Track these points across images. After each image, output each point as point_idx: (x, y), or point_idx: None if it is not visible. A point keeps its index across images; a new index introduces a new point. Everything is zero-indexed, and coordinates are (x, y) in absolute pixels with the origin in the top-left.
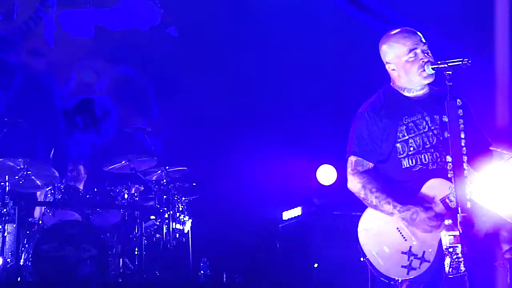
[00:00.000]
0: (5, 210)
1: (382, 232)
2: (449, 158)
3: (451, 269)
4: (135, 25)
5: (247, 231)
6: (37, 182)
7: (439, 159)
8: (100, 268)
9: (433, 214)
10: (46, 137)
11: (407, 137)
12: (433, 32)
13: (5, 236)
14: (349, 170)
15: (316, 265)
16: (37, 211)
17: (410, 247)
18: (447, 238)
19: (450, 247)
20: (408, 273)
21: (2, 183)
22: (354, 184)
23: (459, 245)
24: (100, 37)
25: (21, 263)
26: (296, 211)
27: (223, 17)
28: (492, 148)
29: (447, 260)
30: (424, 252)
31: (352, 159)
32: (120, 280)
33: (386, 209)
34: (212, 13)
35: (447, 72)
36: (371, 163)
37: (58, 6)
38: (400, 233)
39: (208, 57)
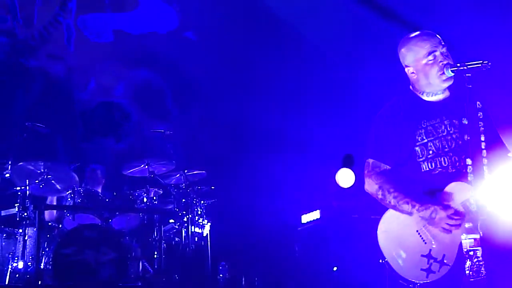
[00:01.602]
0: (25, 214)
1: (402, 234)
2: (469, 161)
3: (471, 272)
4: (153, 29)
5: (266, 235)
6: (57, 186)
7: (457, 163)
8: (119, 271)
9: (452, 212)
10: (65, 141)
11: (426, 141)
12: (452, 34)
13: (26, 240)
14: (366, 172)
15: (335, 268)
16: (47, 214)
17: (430, 250)
18: (467, 241)
19: (470, 250)
20: (427, 277)
21: (22, 187)
22: (371, 185)
23: (480, 248)
24: (119, 41)
25: (42, 267)
26: (315, 215)
27: (240, 20)
28: (510, 155)
29: (468, 264)
30: (444, 255)
31: (369, 161)
32: (140, 284)
33: (405, 209)
34: (229, 16)
35: (466, 75)
36: (388, 166)
37: (77, 10)
38: (420, 236)
39: (226, 60)
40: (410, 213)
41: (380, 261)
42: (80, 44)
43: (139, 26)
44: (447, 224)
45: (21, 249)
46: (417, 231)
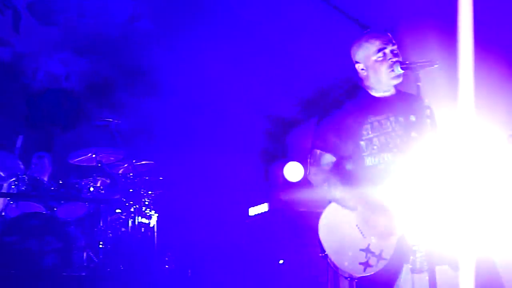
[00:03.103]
0: None
1: (342, 228)
2: (414, 158)
3: (416, 266)
4: (106, 16)
5: (213, 226)
6: (0, 173)
7: (400, 160)
8: (63, 260)
9: (389, 231)
10: (11, 128)
11: (371, 136)
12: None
13: None
14: (312, 161)
15: (281, 261)
16: (0, 203)
17: (369, 244)
18: (411, 235)
19: (415, 244)
20: (365, 270)
21: None
22: (317, 176)
23: (423, 243)
24: (69, 28)
25: None
26: (263, 207)
27: (198, 10)
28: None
29: (412, 258)
30: (382, 250)
31: (316, 151)
32: (84, 274)
33: (348, 204)
34: (186, 5)
35: (415, 72)
36: (333, 157)
37: None
38: (360, 230)
39: (181, 50)
40: (352, 208)
41: (320, 254)
42: (28, 30)
43: (90, 12)
44: (378, 232)
45: None
46: (356, 225)
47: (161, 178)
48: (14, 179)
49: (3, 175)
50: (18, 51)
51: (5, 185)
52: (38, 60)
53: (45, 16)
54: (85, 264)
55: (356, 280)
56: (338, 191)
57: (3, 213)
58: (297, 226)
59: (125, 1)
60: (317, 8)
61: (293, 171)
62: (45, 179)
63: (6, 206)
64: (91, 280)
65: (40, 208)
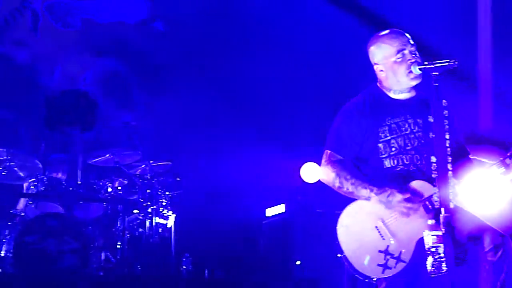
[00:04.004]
0: None
1: (361, 229)
2: (433, 159)
3: (433, 268)
4: (122, 18)
5: (230, 227)
6: (20, 173)
7: (419, 161)
8: (81, 261)
9: (408, 196)
10: (30, 129)
11: (389, 138)
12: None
13: None
14: (323, 161)
15: (298, 262)
16: (22, 203)
17: (388, 246)
18: (430, 237)
19: (432, 246)
20: (383, 272)
21: None
22: (328, 173)
23: (442, 245)
24: (86, 29)
25: (2, 255)
26: (280, 208)
27: (211, 13)
28: (472, 157)
29: (429, 260)
30: (401, 252)
31: (327, 152)
32: (102, 274)
33: (363, 194)
34: (201, 8)
35: (433, 73)
36: (341, 156)
37: None
38: (379, 231)
39: (195, 52)
40: (368, 198)
41: (338, 255)
42: (46, 31)
43: (108, 14)
44: (404, 208)
45: None
46: (376, 226)
47: (178, 178)
48: (33, 179)
49: (22, 175)
50: (37, 52)
51: (24, 185)
52: (56, 62)
53: (63, 18)
54: (102, 265)
55: (374, 282)
56: (350, 183)
57: (22, 213)
58: (314, 227)
59: (141, 3)
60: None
61: (310, 171)
62: (63, 179)
63: (26, 206)
64: (109, 280)
65: (58, 209)
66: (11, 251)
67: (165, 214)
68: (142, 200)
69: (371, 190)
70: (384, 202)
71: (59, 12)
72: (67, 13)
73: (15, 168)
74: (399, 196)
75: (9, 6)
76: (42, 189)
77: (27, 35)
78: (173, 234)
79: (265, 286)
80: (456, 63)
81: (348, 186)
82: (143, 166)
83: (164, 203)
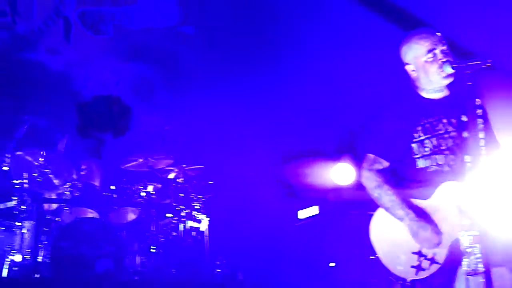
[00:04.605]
0: (23, 207)
1: (393, 231)
2: (467, 158)
3: (470, 269)
4: (152, 24)
5: (263, 230)
6: (55, 181)
7: (453, 162)
8: (116, 265)
9: (438, 241)
10: (64, 135)
11: (423, 138)
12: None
13: (24, 233)
14: (365, 165)
15: (332, 264)
16: (52, 208)
17: (421, 247)
18: (466, 238)
19: (469, 247)
20: (417, 274)
21: (20, 180)
22: (370, 181)
23: (478, 245)
24: (117, 36)
25: (39, 260)
26: (313, 210)
27: (239, 16)
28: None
29: (466, 261)
30: (434, 253)
31: (370, 156)
32: (137, 278)
33: (398, 214)
34: (229, 12)
35: (466, 72)
36: (387, 162)
37: (77, 4)
38: None
39: (224, 56)
40: (401, 219)
41: (372, 257)
42: (78, 38)
43: (138, 20)
44: (428, 245)
45: (18, 242)
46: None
47: (211, 182)
48: (68, 185)
49: (57, 182)
50: (69, 60)
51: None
52: (88, 68)
53: (95, 25)
54: (137, 269)
55: (408, 284)
56: (388, 199)
57: (58, 219)
58: (347, 228)
59: (170, 8)
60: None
61: (342, 173)
62: (97, 185)
63: (61, 212)
64: (144, 284)
65: (93, 214)
66: (48, 256)
67: (198, 218)
68: (175, 204)
69: (407, 214)
70: (413, 230)
71: (91, 20)
72: (98, 20)
73: (50, 175)
74: (428, 234)
75: (43, 15)
76: (76, 194)
77: (60, 43)
78: (206, 238)
79: None
80: (490, 61)
81: (386, 201)
82: (175, 170)
83: (197, 207)
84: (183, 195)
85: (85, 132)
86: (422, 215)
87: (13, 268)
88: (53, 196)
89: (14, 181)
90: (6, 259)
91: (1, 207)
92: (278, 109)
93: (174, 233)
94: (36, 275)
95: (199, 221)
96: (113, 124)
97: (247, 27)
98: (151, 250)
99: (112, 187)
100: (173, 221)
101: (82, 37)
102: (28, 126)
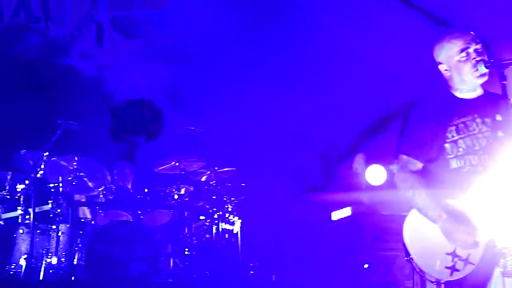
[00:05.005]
0: (58, 210)
1: (427, 232)
2: (502, 158)
3: (507, 269)
4: (183, 27)
5: (296, 231)
6: (89, 183)
7: (487, 162)
8: (151, 267)
9: (474, 242)
10: (97, 139)
11: (456, 138)
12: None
13: (59, 236)
14: (399, 167)
15: (366, 265)
16: (87, 211)
17: (455, 248)
18: (502, 238)
19: (505, 247)
20: (451, 274)
21: (56, 184)
22: (404, 182)
23: None
24: (148, 39)
25: (75, 263)
26: (346, 212)
27: (272, 16)
28: None
29: (503, 261)
30: (469, 254)
31: (403, 157)
32: (171, 280)
33: (431, 216)
34: (260, 12)
35: (500, 71)
36: (421, 163)
37: (108, 9)
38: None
39: (257, 56)
40: (434, 221)
41: (406, 258)
42: (111, 43)
43: (169, 24)
44: (462, 246)
45: (54, 245)
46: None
47: (243, 184)
48: (102, 188)
49: (92, 185)
50: (102, 64)
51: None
52: (120, 72)
53: (127, 29)
54: (171, 271)
55: (443, 285)
56: (422, 200)
57: (93, 222)
58: (380, 230)
59: (201, 11)
60: (396, 8)
61: (375, 174)
62: (131, 188)
63: (96, 215)
64: (178, 286)
65: (127, 216)
66: (83, 259)
67: (231, 220)
68: (208, 207)
69: (441, 215)
70: (448, 231)
71: (122, 24)
72: (130, 24)
73: (85, 178)
74: (462, 235)
75: (75, 20)
76: (110, 197)
77: (93, 48)
78: (239, 240)
79: None
80: None
81: (419, 202)
82: (208, 172)
83: (229, 209)
84: (215, 197)
85: (118, 136)
86: (456, 215)
87: (49, 271)
88: (87, 200)
89: (50, 185)
90: (43, 262)
91: (37, 211)
92: (310, 109)
93: (207, 235)
94: (72, 278)
95: (232, 223)
96: (146, 128)
97: (279, 29)
98: (185, 252)
99: (146, 190)
100: (206, 224)
101: (114, 41)
102: (61, 130)
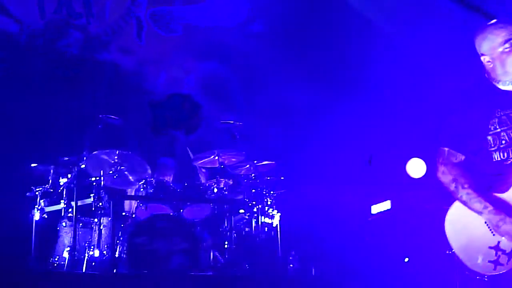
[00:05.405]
0: (100, 204)
1: (470, 225)
2: None
3: None
4: (221, 22)
5: (335, 225)
6: (130, 177)
7: None
8: (191, 261)
9: None
10: (137, 133)
11: (499, 130)
12: None
13: (101, 229)
14: (441, 160)
15: (406, 259)
16: (127, 204)
17: (499, 242)
18: None
19: None
20: (495, 269)
21: (97, 178)
22: (446, 175)
23: None
24: (188, 34)
25: (117, 255)
26: (386, 205)
27: (308, 10)
28: None
29: None
30: None
31: (444, 149)
32: (211, 273)
33: (476, 207)
34: (298, 6)
35: None
36: (463, 156)
37: (148, 4)
38: (489, 227)
39: (294, 50)
40: (480, 213)
41: (448, 252)
42: (150, 38)
43: (208, 19)
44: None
45: (96, 238)
46: (485, 222)
47: (282, 178)
48: (142, 182)
49: (132, 179)
50: (142, 59)
51: (129, 190)
52: (160, 67)
53: (166, 24)
54: (211, 264)
55: (486, 279)
56: (465, 192)
57: (134, 215)
58: (421, 223)
59: (239, 6)
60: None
61: (416, 167)
62: (171, 181)
63: (136, 208)
64: (218, 279)
65: (167, 210)
66: (125, 252)
67: (270, 213)
68: (247, 200)
69: (485, 207)
70: (493, 224)
71: (162, 19)
72: (169, 19)
73: (126, 172)
74: (509, 226)
75: (115, 16)
76: (151, 191)
77: (133, 43)
78: (279, 233)
79: (374, 285)
80: None
81: (463, 194)
82: (247, 166)
83: (269, 202)
84: (254, 190)
85: (158, 130)
86: (501, 207)
87: (92, 264)
88: (129, 193)
89: (91, 179)
90: (85, 255)
91: (79, 204)
92: (353, 103)
93: (247, 229)
94: (114, 271)
95: (271, 217)
96: (185, 122)
97: (318, 22)
98: (225, 245)
99: (185, 184)
100: (246, 217)
101: (153, 36)
102: (102, 125)
